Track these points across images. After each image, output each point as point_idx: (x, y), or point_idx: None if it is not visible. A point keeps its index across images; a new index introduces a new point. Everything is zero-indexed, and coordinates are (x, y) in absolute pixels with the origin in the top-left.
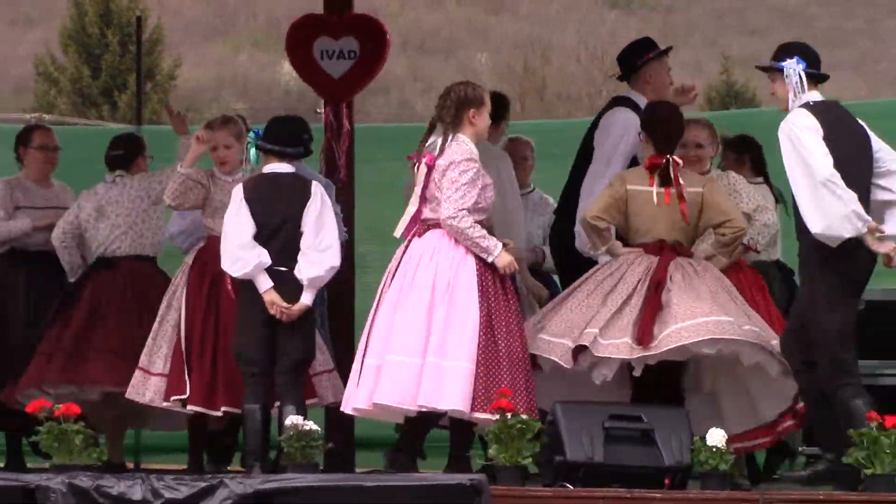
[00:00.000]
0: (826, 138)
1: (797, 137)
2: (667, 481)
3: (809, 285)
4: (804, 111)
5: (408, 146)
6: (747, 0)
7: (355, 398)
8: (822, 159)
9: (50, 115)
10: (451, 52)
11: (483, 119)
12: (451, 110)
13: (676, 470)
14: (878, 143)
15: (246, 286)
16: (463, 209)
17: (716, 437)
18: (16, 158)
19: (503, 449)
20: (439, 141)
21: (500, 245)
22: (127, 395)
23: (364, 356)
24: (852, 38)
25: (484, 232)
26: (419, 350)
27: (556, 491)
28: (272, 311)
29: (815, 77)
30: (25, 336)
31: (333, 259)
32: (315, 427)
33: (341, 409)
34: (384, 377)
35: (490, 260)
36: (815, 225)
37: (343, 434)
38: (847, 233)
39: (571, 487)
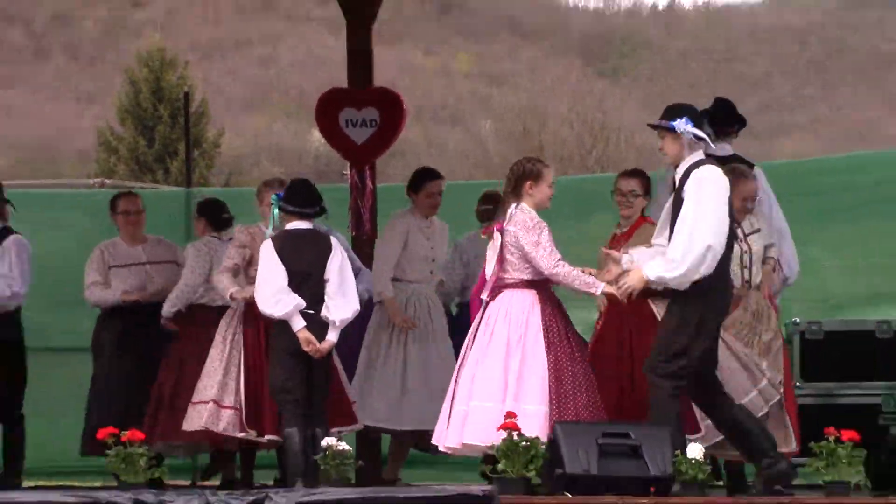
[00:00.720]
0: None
1: (715, 194)
2: (652, 489)
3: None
4: (716, 169)
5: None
6: (717, 71)
7: (446, 438)
8: (723, 227)
9: (111, 179)
10: (460, 120)
11: (540, 190)
12: (512, 183)
13: (660, 479)
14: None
15: (281, 326)
16: (558, 259)
17: (694, 450)
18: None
19: (511, 464)
20: (509, 211)
21: (598, 282)
22: (203, 425)
23: (452, 403)
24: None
25: (580, 272)
26: (499, 396)
27: (558, 499)
28: (306, 349)
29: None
30: (119, 384)
31: (356, 303)
32: (347, 447)
33: (433, 442)
34: (470, 421)
35: (598, 293)
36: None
37: (372, 453)
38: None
39: (570, 496)
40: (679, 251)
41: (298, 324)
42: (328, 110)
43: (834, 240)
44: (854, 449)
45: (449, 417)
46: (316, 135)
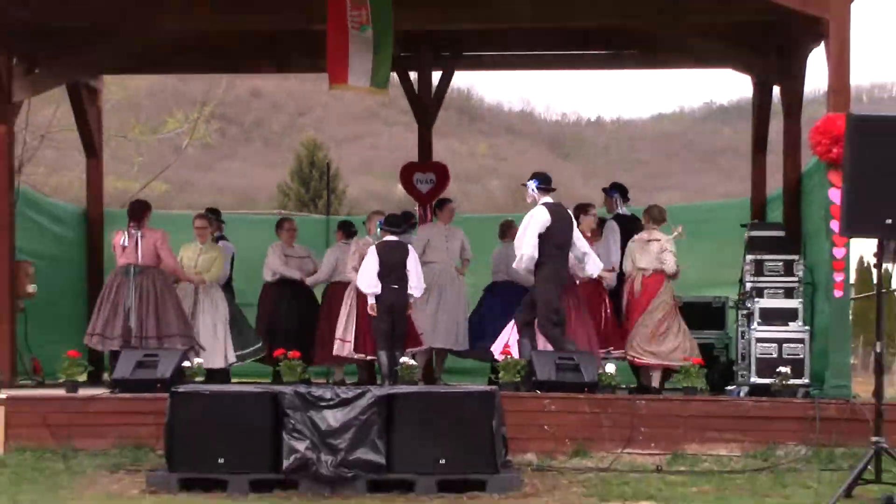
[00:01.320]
0: (552, 222)
1: (533, 222)
2: (585, 389)
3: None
4: (543, 208)
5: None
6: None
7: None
8: (534, 240)
9: (285, 210)
10: (478, 180)
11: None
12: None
13: (590, 384)
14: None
15: (380, 298)
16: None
17: (610, 367)
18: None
19: (507, 374)
20: None
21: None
22: (334, 353)
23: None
24: (676, 174)
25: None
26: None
27: (532, 394)
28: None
29: (545, 190)
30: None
31: (422, 283)
32: (413, 363)
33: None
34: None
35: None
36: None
37: (428, 367)
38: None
39: (539, 392)
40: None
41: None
42: (406, 173)
43: (689, 249)
44: (699, 368)
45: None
46: (399, 187)
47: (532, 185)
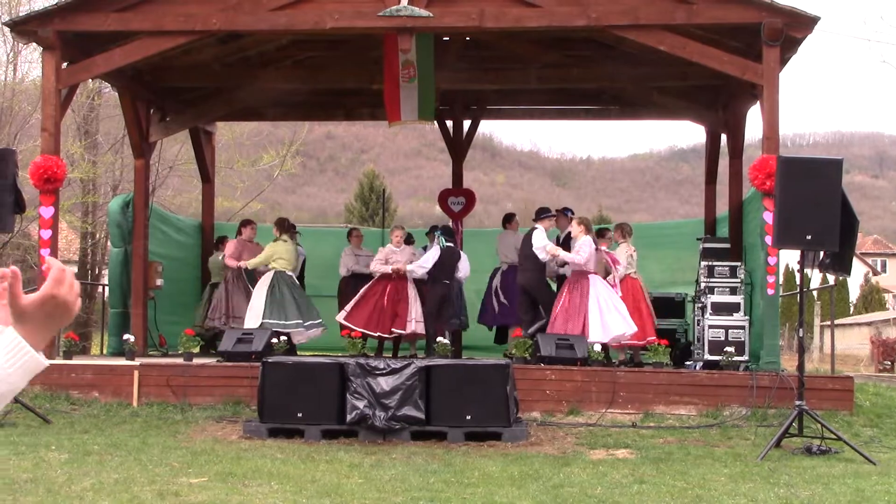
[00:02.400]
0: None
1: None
2: (578, 363)
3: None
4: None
5: (477, 238)
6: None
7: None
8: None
9: (350, 224)
10: (497, 202)
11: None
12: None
13: (583, 359)
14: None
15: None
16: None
17: (596, 346)
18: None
19: (518, 351)
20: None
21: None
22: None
23: None
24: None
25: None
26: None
27: (537, 367)
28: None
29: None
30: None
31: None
32: (446, 341)
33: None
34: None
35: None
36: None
37: (458, 344)
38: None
39: (543, 365)
40: None
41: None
42: (443, 197)
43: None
44: (665, 348)
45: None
46: (437, 207)
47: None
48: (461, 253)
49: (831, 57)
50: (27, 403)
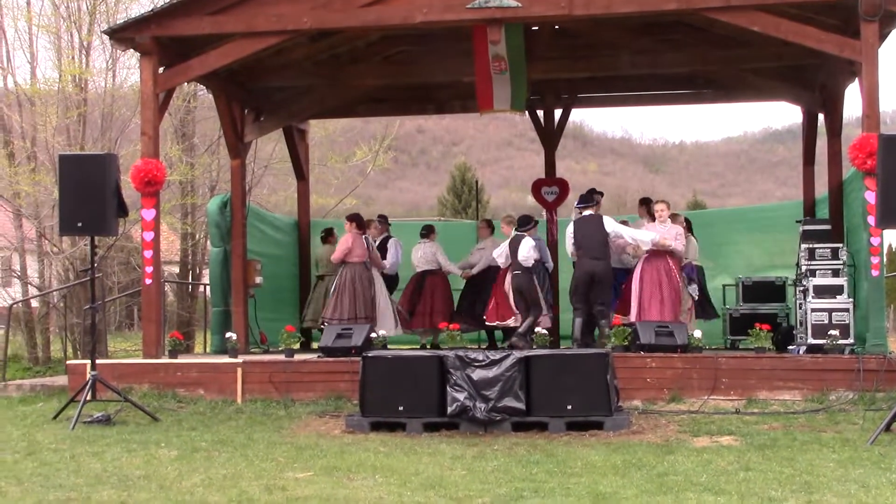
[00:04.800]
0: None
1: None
2: (678, 350)
3: None
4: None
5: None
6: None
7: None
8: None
9: (444, 217)
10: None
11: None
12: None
13: (683, 346)
14: (609, 223)
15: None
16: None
17: (696, 335)
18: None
19: (618, 339)
20: None
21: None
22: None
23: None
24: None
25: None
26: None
27: (637, 355)
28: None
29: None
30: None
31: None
32: (544, 331)
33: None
34: None
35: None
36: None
37: (556, 335)
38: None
39: (642, 353)
40: None
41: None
42: (536, 187)
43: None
44: (766, 332)
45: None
46: (530, 197)
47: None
48: (525, 239)
49: None
50: (136, 402)
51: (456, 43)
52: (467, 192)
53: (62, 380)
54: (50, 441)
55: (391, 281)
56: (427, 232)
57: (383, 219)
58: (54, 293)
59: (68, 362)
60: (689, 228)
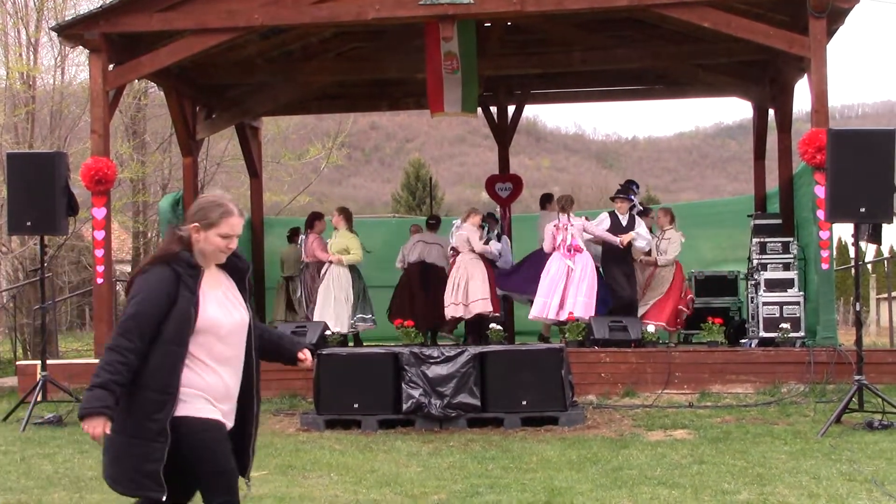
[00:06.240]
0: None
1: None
2: (632, 345)
3: None
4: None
5: (525, 223)
6: (654, 164)
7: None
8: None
9: (398, 214)
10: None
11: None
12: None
13: (637, 340)
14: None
15: None
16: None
17: (650, 328)
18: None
19: (572, 334)
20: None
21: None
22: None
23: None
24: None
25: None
26: None
27: (591, 350)
28: None
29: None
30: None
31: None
32: (499, 327)
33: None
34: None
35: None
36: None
37: (511, 330)
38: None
39: (597, 348)
40: None
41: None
42: (490, 183)
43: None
44: (719, 326)
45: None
46: (484, 194)
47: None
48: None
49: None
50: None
51: (409, 39)
52: (421, 189)
53: (12, 381)
54: (0, 443)
55: None
56: (435, 223)
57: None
58: (3, 293)
59: (18, 363)
60: (672, 220)
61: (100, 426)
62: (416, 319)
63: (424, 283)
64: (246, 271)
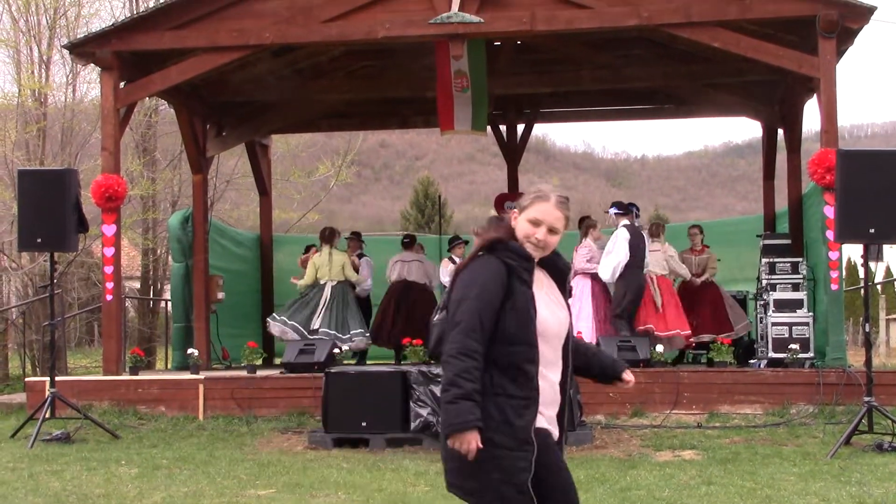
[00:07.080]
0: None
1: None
2: (641, 364)
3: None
4: (624, 229)
5: None
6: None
7: None
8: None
9: (406, 231)
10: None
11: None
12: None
13: (645, 360)
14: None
15: None
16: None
17: (658, 349)
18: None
19: None
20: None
21: None
22: None
23: None
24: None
25: None
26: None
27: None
28: None
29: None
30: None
31: None
32: None
33: None
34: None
35: None
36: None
37: None
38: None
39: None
40: None
41: None
42: (499, 201)
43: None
44: (728, 347)
45: None
46: (492, 210)
47: (612, 210)
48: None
49: (888, 45)
50: (96, 419)
51: (419, 58)
52: (430, 207)
53: (20, 397)
54: (8, 460)
55: (364, 301)
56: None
57: (357, 235)
58: (13, 310)
59: (27, 379)
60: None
61: (474, 441)
62: (393, 339)
63: (406, 301)
64: (567, 272)
